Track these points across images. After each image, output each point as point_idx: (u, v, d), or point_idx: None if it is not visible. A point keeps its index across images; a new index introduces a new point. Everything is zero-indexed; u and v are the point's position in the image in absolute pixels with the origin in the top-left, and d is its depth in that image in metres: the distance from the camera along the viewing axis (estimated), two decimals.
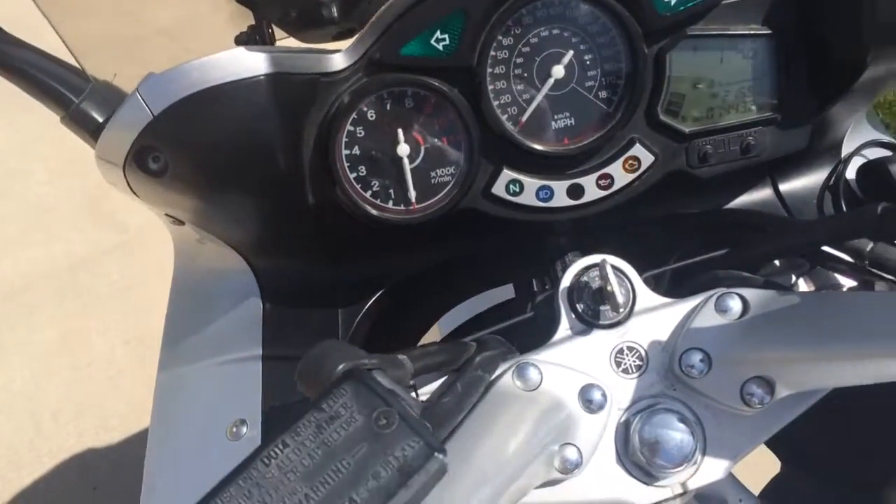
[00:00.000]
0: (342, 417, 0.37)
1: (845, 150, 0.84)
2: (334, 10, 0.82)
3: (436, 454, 0.36)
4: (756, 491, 0.73)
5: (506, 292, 0.97)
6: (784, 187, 0.83)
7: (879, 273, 0.59)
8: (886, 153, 0.81)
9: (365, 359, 0.44)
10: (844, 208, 0.77)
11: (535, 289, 0.80)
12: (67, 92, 0.73)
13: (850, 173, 0.80)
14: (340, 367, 0.41)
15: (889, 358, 0.49)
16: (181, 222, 0.81)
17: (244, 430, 0.74)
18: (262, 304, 0.81)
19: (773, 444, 0.91)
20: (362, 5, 0.84)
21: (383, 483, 0.35)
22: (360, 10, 0.85)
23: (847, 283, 0.68)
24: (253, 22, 0.80)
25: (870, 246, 0.59)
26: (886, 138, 0.85)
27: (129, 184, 0.68)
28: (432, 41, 0.65)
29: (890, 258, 0.58)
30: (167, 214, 0.80)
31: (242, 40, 0.82)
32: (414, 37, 0.65)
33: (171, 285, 0.92)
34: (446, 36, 0.65)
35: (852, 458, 0.80)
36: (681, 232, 0.78)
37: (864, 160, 0.79)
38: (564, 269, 0.72)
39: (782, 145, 0.72)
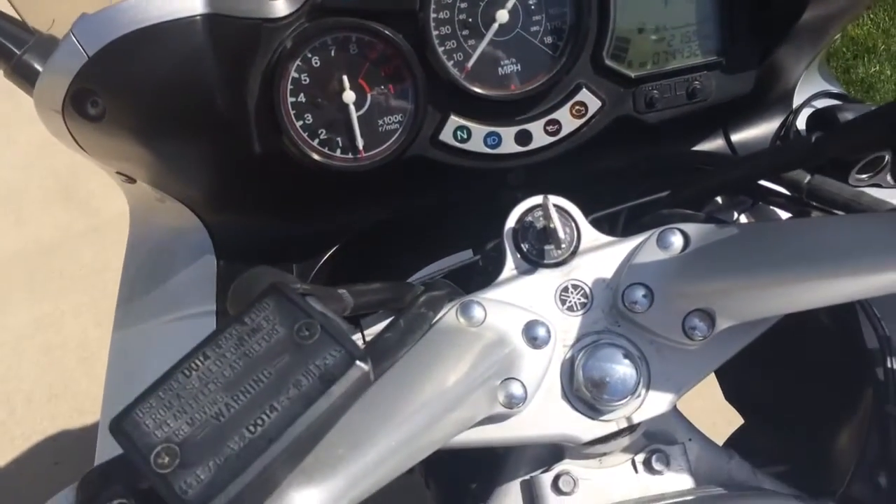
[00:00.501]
0: (264, 329, 0.37)
1: (796, 101, 0.85)
2: None
3: (357, 362, 0.36)
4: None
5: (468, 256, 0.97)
6: (736, 137, 0.84)
7: (815, 204, 0.60)
8: (836, 103, 0.82)
9: (297, 283, 0.44)
10: None
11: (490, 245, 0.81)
12: (10, 44, 0.72)
13: (801, 123, 0.81)
14: (292, 283, 0.41)
15: (819, 281, 0.50)
16: (132, 180, 0.80)
17: None
18: (217, 261, 0.81)
19: (734, 399, 0.93)
20: None
21: (304, 391, 0.36)
22: None
23: (787, 216, 0.68)
24: None
25: (807, 178, 0.60)
26: (836, 89, 0.86)
27: (70, 133, 0.67)
28: None
29: (825, 189, 0.59)
30: (118, 172, 0.80)
31: None
32: None
33: (126, 246, 0.91)
34: None
35: (804, 406, 0.81)
36: (633, 178, 0.79)
37: (813, 110, 0.79)
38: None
39: (728, 89, 0.72)
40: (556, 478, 0.63)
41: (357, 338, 0.59)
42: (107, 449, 0.75)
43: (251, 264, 0.80)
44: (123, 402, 0.76)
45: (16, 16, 0.75)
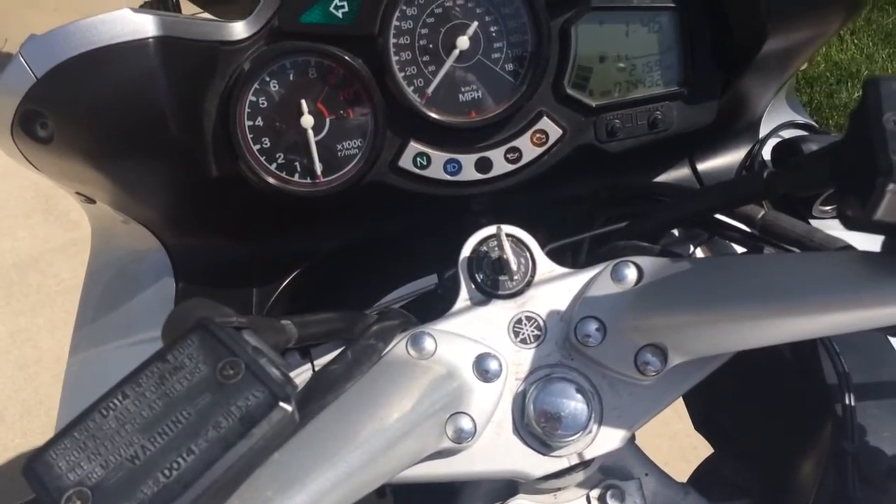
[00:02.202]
0: (186, 368, 0.36)
1: (763, 131, 0.85)
2: None
3: (280, 403, 0.35)
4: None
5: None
6: (702, 167, 0.84)
7: (769, 239, 0.60)
8: (802, 134, 0.82)
9: (232, 316, 0.43)
10: None
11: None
12: None
13: (767, 153, 0.81)
14: (229, 317, 0.40)
15: (770, 320, 0.49)
16: (92, 200, 0.79)
17: None
18: (176, 284, 0.80)
19: (702, 429, 0.92)
20: None
21: (223, 433, 0.35)
22: None
23: (741, 251, 0.68)
24: None
25: (761, 213, 0.59)
26: (802, 119, 0.86)
27: (21, 153, 0.66)
28: (331, 8, 0.64)
29: (778, 224, 0.59)
30: (77, 192, 0.79)
31: (148, 3, 0.80)
32: (313, 4, 0.64)
33: (87, 267, 0.90)
34: (345, 3, 0.64)
35: (767, 439, 0.81)
36: (595, 206, 0.78)
37: (780, 139, 0.79)
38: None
39: (689, 120, 0.72)
40: None
41: (306, 369, 0.58)
42: None
43: (210, 287, 0.80)
44: None
45: None
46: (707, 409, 0.88)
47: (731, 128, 0.82)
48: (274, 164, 0.68)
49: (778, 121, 0.85)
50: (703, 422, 0.91)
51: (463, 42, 0.67)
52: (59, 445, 0.35)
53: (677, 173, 0.83)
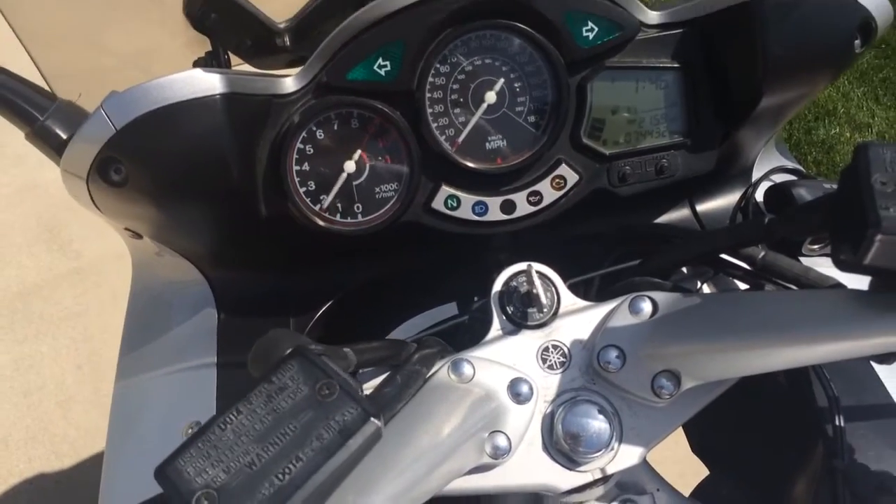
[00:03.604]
0: (289, 388, 0.43)
1: (755, 175, 0.93)
2: (287, 39, 0.88)
3: (371, 419, 0.42)
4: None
5: (453, 309, 1.03)
6: (701, 208, 0.91)
7: (768, 277, 0.67)
8: (792, 177, 0.90)
9: (311, 344, 0.49)
10: None
11: (476, 301, 0.87)
12: (33, 110, 0.78)
13: (760, 196, 0.88)
14: (289, 347, 0.47)
15: (770, 349, 0.56)
16: (139, 236, 0.85)
17: None
18: (217, 314, 0.86)
19: (699, 451, 0.99)
20: (312, 35, 0.91)
21: (325, 443, 0.41)
22: (311, 40, 0.92)
23: (744, 287, 0.75)
24: (210, 48, 0.86)
25: (761, 254, 0.67)
26: (791, 164, 0.94)
27: (91, 195, 0.73)
28: (375, 67, 0.72)
29: (776, 264, 0.66)
30: (126, 228, 0.85)
31: (200, 65, 0.88)
32: (359, 63, 0.71)
33: (129, 298, 0.96)
34: (388, 63, 0.71)
35: (762, 460, 0.87)
36: (607, 246, 0.86)
37: (771, 184, 0.87)
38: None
39: (692, 167, 0.80)
40: None
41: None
42: (111, 498, 0.79)
43: (250, 317, 0.86)
44: (126, 452, 0.80)
45: (42, 83, 0.80)
46: (704, 432, 0.94)
47: (727, 172, 0.90)
48: (318, 206, 0.75)
49: (768, 165, 0.92)
50: (699, 444, 0.98)
51: (490, 97, 0.75)
52: (185, 454, 0.41)
53: (679, 214, 0.90)
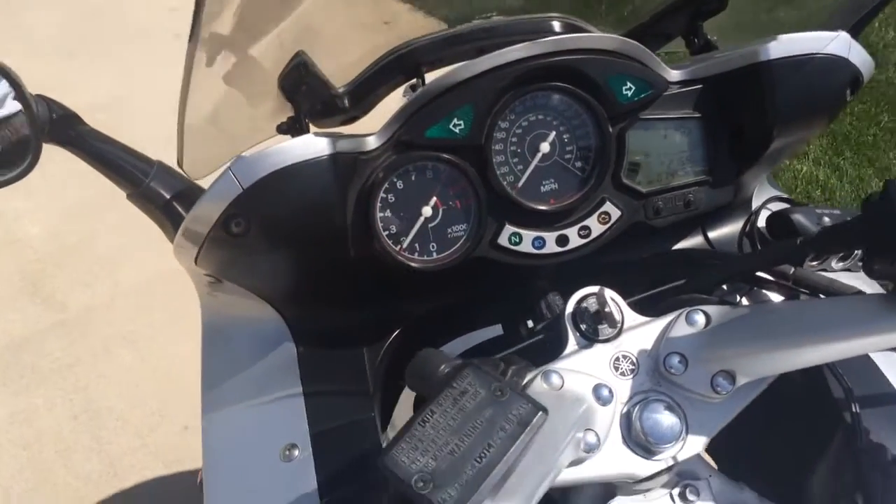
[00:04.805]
0: (469, 392, 0.54)
1: (755, 204, 1.07)
2: (346, 101, 0.99)
3: (540, 413, 0.53)
4: None
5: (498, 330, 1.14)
6: (711, 235, 1.05)
7: (801, 289, 0.80)
8: (785, 206, 1.04)
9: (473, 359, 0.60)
10: (759, 247, 0.99)
11: (523, 324, 0.98)
12: (137, 172, 0.87)
13: (759, 222, 1.02)
14: (456, 361, 0.57)
15: (808, 347, 0.69)
16: (220, 281, 0.94)
17: (296, 452, 0.87)
18: (296, 348, 0.95)
19: (714, 454, 1.10)
20: (369, 98, 1.02)
21: (509, 433, 0.52)
22: (365, 102, 1.03)
23: (775, 298, 0.88)
24: (290, 114, 0.97)
25: (792, 270, 0.80)
26: (784, 195, 1.09)
27: (201, 247, 0.82)
28: (451, 126, 0.83)
29: (808, 278, 0.79)
30: (207, 275, 0.94)
31: (283, 129, 0.98)
32: (436, 122, 0.83)
33: (202, 340, 1.04)
34: (462, 122, 0.83)
35: (779, 451, 1.00)
36: (644, 269, 0.98)
37: (769, 212, 1.01)
38: (549, 306, 0.90)
39: (714, 200, 0.94)
40: None
41: None
42: None
43: (327, 349, 0.96)
44: (226, 476, 0.89)
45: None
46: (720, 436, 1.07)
47: (733, 203, 1.04)
48: (398, 246, 0.86)
49: (764, 196, 1.07)
50: (715, 449, 1.10)
51: (545, 147, 0.87)
52: (398, 447, 0.51)
53: (694, 240, 1.04)
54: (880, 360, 0.92)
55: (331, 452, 0.86)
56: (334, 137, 0.80)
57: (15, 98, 0.77)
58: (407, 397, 1.08)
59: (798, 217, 0.96)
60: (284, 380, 0.94)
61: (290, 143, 0.77)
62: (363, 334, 0.97)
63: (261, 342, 0.98)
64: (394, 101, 1.10)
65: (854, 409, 0.84)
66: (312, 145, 0.77)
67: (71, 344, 2.52)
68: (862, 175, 3.23)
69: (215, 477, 0.90)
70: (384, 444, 0.90)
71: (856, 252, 0.90)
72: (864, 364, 0.90)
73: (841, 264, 0.85)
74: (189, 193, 0.92)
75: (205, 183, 0.97)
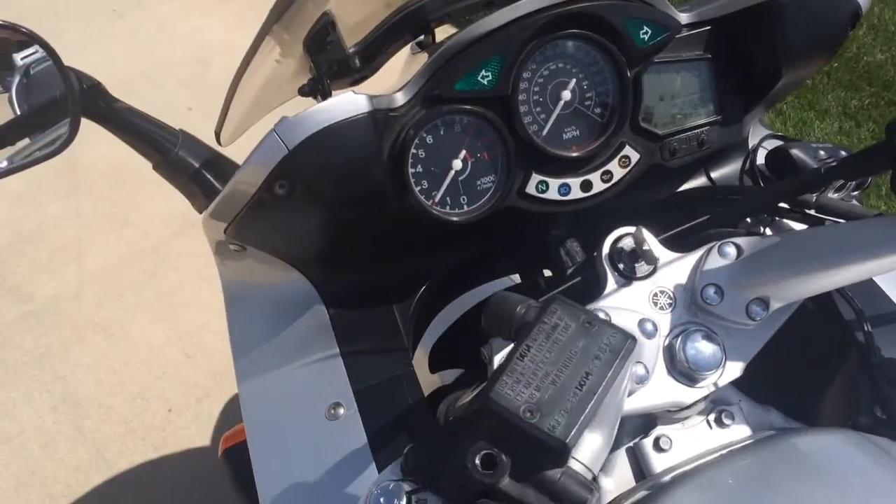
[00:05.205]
0: (560, 325, 0.56)
1: (751, 143, 1.11)
2: (358, 61, 0.99)
3: (630, 340, 0.55)
4: None
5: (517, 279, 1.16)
6: (714, 175, 1.09)
7: (823, 216, 0.84)
8: (779, 143, 1.09)
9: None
10: (761, 183, 1.03)
11: (540, 274, 1.01)
12: (165, 142, 0.86)
13: (759, 160, 1.06)
14: (531, 301, 0.59)
15: (836, 269, 0.72)
16: (243, 248, 0.94)
17: (341, 410, 0.88)
18: (327, 310, 0.96)
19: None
20: (378, 57, 1.02)
21: (605, 360, 0.54)
22: (374, 62, 1.03)
23: (797, 227, 0.92)
24: (311, 76, 0.96)
25: (814, 198, 0.84)
26: (777, 133, 1.13)
27: (237, 214, 0.82)
28: (479, 77, 0.84)
29: (829, 204, 0.83)
30: (232, 244, 0.93)
31: (305, 91, 0.97)
32: (465, 75, 0.84)
33: (226, 311, 1.03)
34: (489, 73, 0.84)
35: (794, 375, 1.05)
36: (660, 211, 1.01)
37: (765, 150, 1.05)
38: (568, 252, 0.93)
39: (725, 139, 0.97)
40: (656, 440, 0.82)
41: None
42: (268, 479, 0.87)
43: (358, 310, 0.97)
44: (272, 440, 0.90)
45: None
46: None
47: (733, 144, 1.07)
48: (431, 201, 0.87)
49: (759, 135, 1.11)
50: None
51: (566, 95, 0.89)
52: (501, 383, 0.53)
53: (698, 181, 1.07)
54: (881, 281, 0.97)
55: (376, 408, 0.88)
56: (369, 95, 0.80)
57: (52, 69, 0.75)
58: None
59: (796, 152, 1.00)
60: (320, 342, 0.95)
61: (332, 101, 0.77)
62: (392, 292, 0.98)
63: (291, 308, 0.98)
64: (397, 59, 1.11)
65: (866, 328, 0.89)
66: (354, 103, 0.78)
67: (43, 335, 2.46)
68: (804, 118, 3.34)
69: (262, 442, 0.91)
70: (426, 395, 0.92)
71: (849, 183, 0.95)
72: (868, 286, 0.95)
73: (837, 195, 0.90)
74: (216, 162, 0.91)
75: (227, 151, 0.96)
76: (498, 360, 0.76)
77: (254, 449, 0.91)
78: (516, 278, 1.13)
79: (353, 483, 0.84)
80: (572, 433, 0.51)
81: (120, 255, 2.75)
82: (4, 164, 0.81)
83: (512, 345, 0.66)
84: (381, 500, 0.59)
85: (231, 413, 2.28)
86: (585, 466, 0.55)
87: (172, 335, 2.52)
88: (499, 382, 0.53)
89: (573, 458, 0.55)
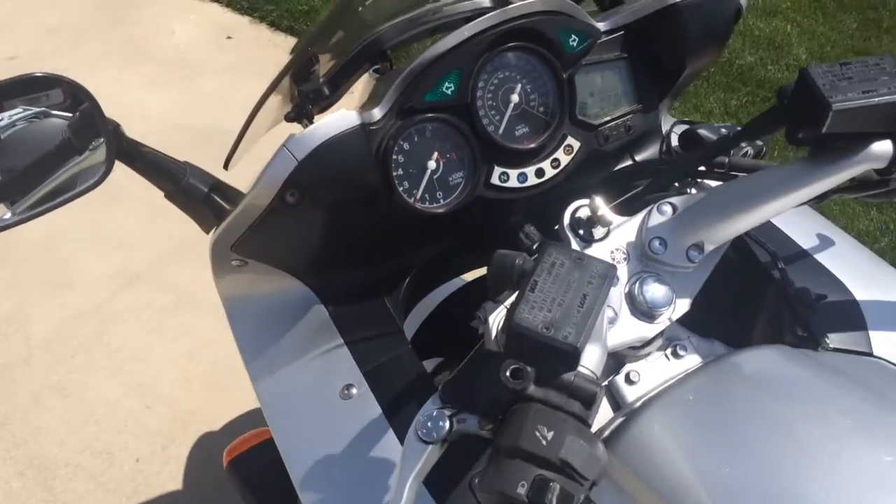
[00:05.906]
0: (557, 262, 0.70)
1: (664, 128, 1.30)
2: (327, 89, 1.14)
3: (612, 266, 0.70)
4: None
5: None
6: (638, 157, 1.27)
7: (736, 173, 1.03)
8: (687, 126, 1.28)
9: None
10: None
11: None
12: (175, 172, 0.98)
13: (673, 142, 1.25)
14: (524, 254, 0.74)
15: (760, 207, 0.90)
16: (245, 262, 1.06)
17: (354, 390, 1.01)
18: (326, 308, 1.09)
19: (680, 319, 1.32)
20: (342, 86, 1.17)
21: (596, 283, 0.69)
22: (340, 90, 1.18)
23: (716, 184, 1.10)
24: (295, 104, 1.10)
25: (727, 159, 1.02)
26: (685, 119, 1.33)
27: (251, 224, 0.94)
28: (443, 88, 1.00)
29: (739, 163, 1.02)
30: (235, 259, 1.05)
31: (291, 117, 1.11)
32: (432, 87, 0.99)
33: (229, 322, 1.14)
34: (452, 84, 1.00)
35: (726, 314, 1.22)
36: (600, 187, 1.18)
37: (677, 133, 1.24)
38: (527, 235, 1.09)
39: (646, 124, 1.15)
40: (626, 375, 0.98)
41: None
42: (298, 460, 0.98)
43: (354, 304, 1.10)
44: (294, 425, 1.01)
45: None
46: None
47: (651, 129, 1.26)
48: (412, 198, 1.01)
49: (669, 122, 1.30)
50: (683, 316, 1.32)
51: (514, 98, 1.05)
52: (520, 309, 0.67)
53: (625, 163, 1.26)
54: (786, 227, 1.17)
55: (384, 383, 1.01)
56: (357, 111, 0.95)
57: (93, 121, 0.87)
58: None
59: (703, 131, 1.19)
60: (324, 336, 1.07)
61: (329, 118, 0.91)
62: (381, 286, 1.12)
63: (293, 311, 1.10)
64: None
65: (780, 266, 1.08)
66: (347, 119, 0.92)
67: (13, 346, 2.47)
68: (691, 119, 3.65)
69: (286, 432, 1.02)
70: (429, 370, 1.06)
71: (750, 151, 1.15)
72: (776, 233, 1.15)
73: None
74: (221, 187, 1.03)
75: (227, 177, 1.08)
76: (493, 318, 0.90)
77: (280, 439, 1.02)
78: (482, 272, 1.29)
79: (376, 449, 0.96)
80: (581, 339, 0.66)
81: (63, 317, 2.76)
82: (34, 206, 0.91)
83: (513, 295, 0.81)
84: (429, 424, 0.73)
85: (201, 452, 2.33)
86: (590, 371, 0.70)
87: (128, 388, 2.55)
88: (518, 309, 0.67)
89: (581, 365, 0.69)
